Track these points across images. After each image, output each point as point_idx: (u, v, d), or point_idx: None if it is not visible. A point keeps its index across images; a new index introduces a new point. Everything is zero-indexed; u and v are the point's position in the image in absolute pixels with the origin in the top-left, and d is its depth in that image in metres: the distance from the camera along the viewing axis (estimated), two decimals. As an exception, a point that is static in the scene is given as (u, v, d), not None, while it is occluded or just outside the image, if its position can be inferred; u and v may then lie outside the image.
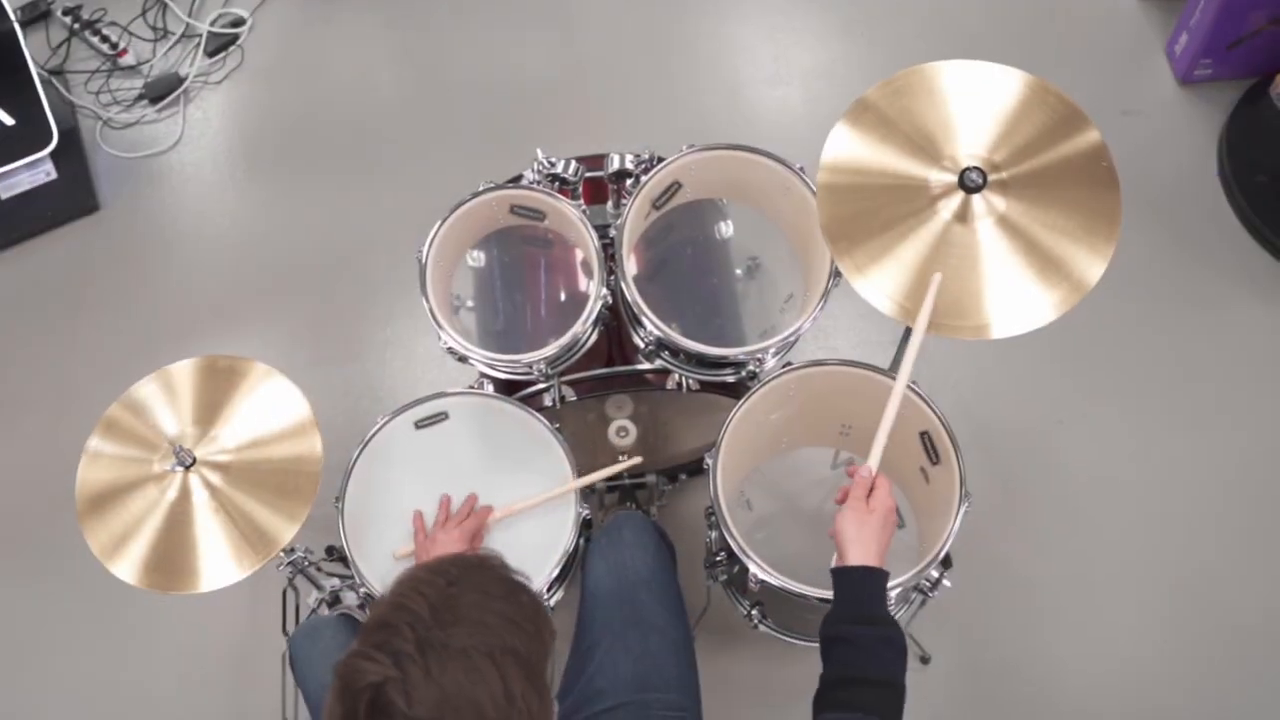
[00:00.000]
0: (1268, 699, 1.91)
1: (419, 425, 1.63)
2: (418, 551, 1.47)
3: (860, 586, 1.21)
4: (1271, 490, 2.09)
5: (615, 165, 1.65)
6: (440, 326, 1.55)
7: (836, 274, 1.50)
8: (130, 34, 2.87)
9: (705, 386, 1.64)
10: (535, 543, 1.54)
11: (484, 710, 0.80)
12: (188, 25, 2.85)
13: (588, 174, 1.70)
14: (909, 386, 1.48)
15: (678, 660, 1.46)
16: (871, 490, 1.28)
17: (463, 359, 1.59)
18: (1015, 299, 1.32)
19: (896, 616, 1.61)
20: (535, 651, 0.86)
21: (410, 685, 0.79)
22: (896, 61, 1.40)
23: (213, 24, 2.84)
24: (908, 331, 1.63)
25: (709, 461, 1.51)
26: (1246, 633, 1.97)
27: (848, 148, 1.38)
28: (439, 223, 1.61)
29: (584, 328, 1.55)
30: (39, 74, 2.56)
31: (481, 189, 1.62)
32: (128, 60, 2.80)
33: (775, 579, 1.43)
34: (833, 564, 1.27)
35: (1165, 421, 2.17)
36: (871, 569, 1.21)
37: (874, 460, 1.31)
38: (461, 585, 0.86)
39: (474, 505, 1.54)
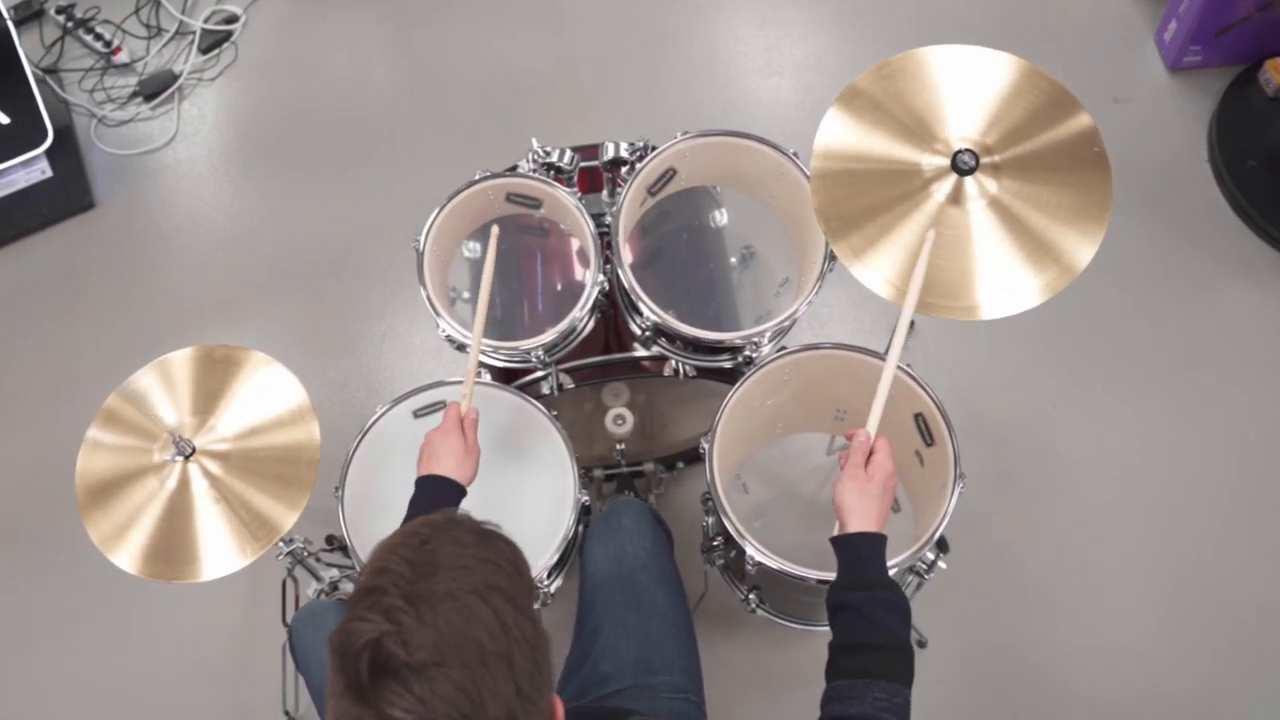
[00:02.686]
0: (1265, 682, 1.93)
1: (417, 414, 1.64)
2: (420, 461, 1.45)
3: (858, 553, 1.22)
4: (1266, 472, 2.10)
5: (610, 154, 1.66)
6: (439, 314, 1.56)
7: (831, 258, 1.51)
8: (124, 32, 2.87)
9: (702, 373, 1.65)
10: (534, 530, 1.55)
11: (482, 643, 0.81)
12: (181, 22, 2.86)
13: (583, 163, 1.71)
14: (903, 368, 1.49)
15: (679, 643, 1.47)
16: (870, 456, 1.28)
17: (461, 347, 1.60)
18: (1006, 281, 1.33)
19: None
20: (519, 589, 0.87)
21: (406, 634, 0.79)
22: (886, 51, 1.41)
23: (206, 21, 2.84)
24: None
25: (705, 446, 1.52)
26: (1243, 616, 1.98)
27: (840, 134, 1.39)
28: (436, 211, 1.62)
29: (581, 314, 1.56)
30: (33, 72, 2.57)
31: (478, 177, 1.63)
32: (122, 58, 2.80)
33: (772, 561, 1.45)
34: (834, 533, 1.27)
35: (1159, 406, 2.19)
36: (868, 534, 1.22)
37: (872, 425, 1.32)
38: (435, 541, 0.86)
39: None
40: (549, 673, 0.87)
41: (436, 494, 1.38)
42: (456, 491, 1.39)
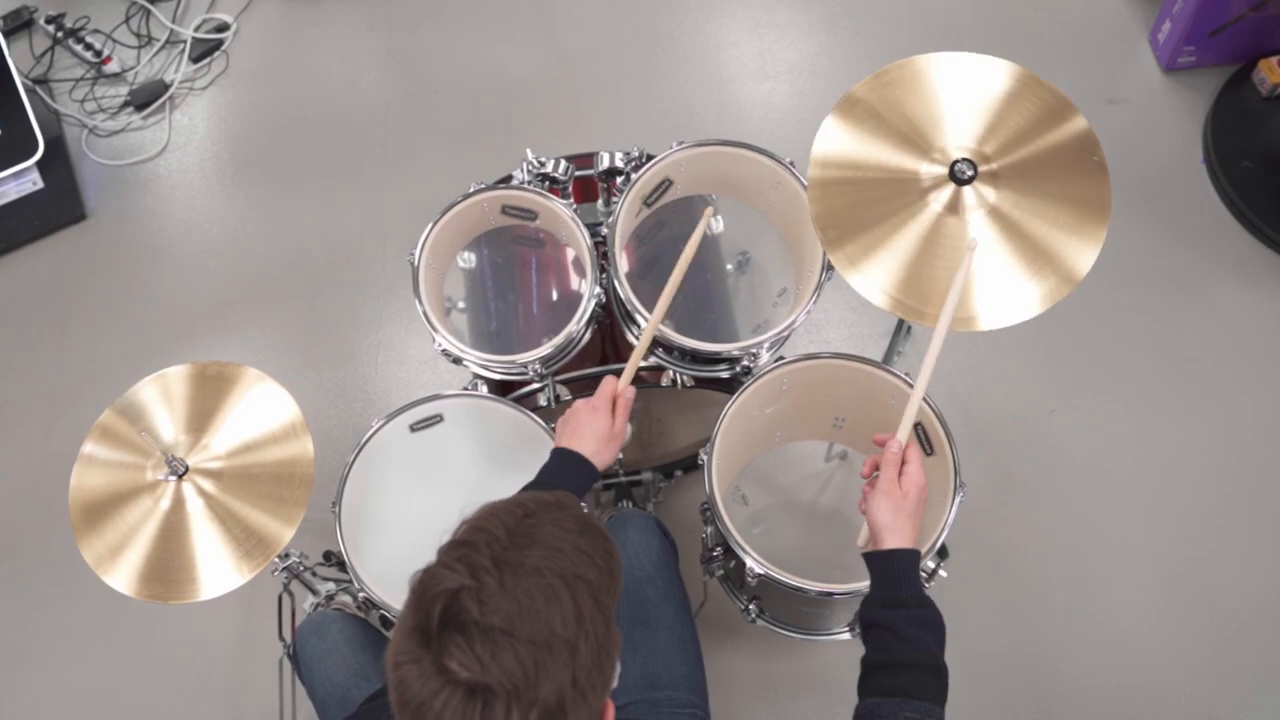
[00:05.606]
0: (1264, 682, 1.93)
1: (414, 428, 1.63)
2: (560, 431, 1.40)
3: (892, 569, 1.20)
4: (1264, 471, 2.10)
5: (605, 163, 1.66)
6: (435, 329, 1.55)
7: (828, 268, 1.50)
8: (114, 41, 2.86)
9: (700, 383, 1.64)
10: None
11: (554, 627, 0.82)
12: (172, 31, 2.84)
13: (578, 173, 1.70)
14: (902, 378, 1.49)
15: (685, 657, 1.46)
16: (902, 468, 1.26)
17: (457, 361, 1.59)
18: (1004, 291, 1.32)
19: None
20: (605, 587, 0.87)
21: (485, 594, 0.80)
22: (880, 54, 1.41)
23: (197, 30, 2.83)
24: (900, 324, 1.64)
25: (704, 457, 1.51)
26: (1243, 616, 1.98)
27: (838, 142, 1.39)
28: (430, 225, 1.60)
29: (578, 326, 1.55)
30: (23, 83, 2.55)
31: (472, 190, 1.62)
32: (112, 68, 2.79)
33: (772, 572, 1.44)
34: (860, 543, 1.26)
35: (1156, 407, 2.18)
36: (901, 550, 1.20)
37: (903, 433, 1.30)
38: (538, 517, 0.87)
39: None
40: (609, 673, 0.88)
41: (569, 471, 1.34)
42: (590, 474, 1.35)
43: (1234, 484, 2.10)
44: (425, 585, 0.82)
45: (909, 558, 1.20)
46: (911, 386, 1.49)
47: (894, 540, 1.21)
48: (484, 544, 0.84)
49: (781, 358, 1.57)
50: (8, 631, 2.16)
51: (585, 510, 0.93)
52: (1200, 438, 2.15)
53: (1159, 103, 2.52)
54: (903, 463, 1.28)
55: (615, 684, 0.92)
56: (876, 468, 1.32)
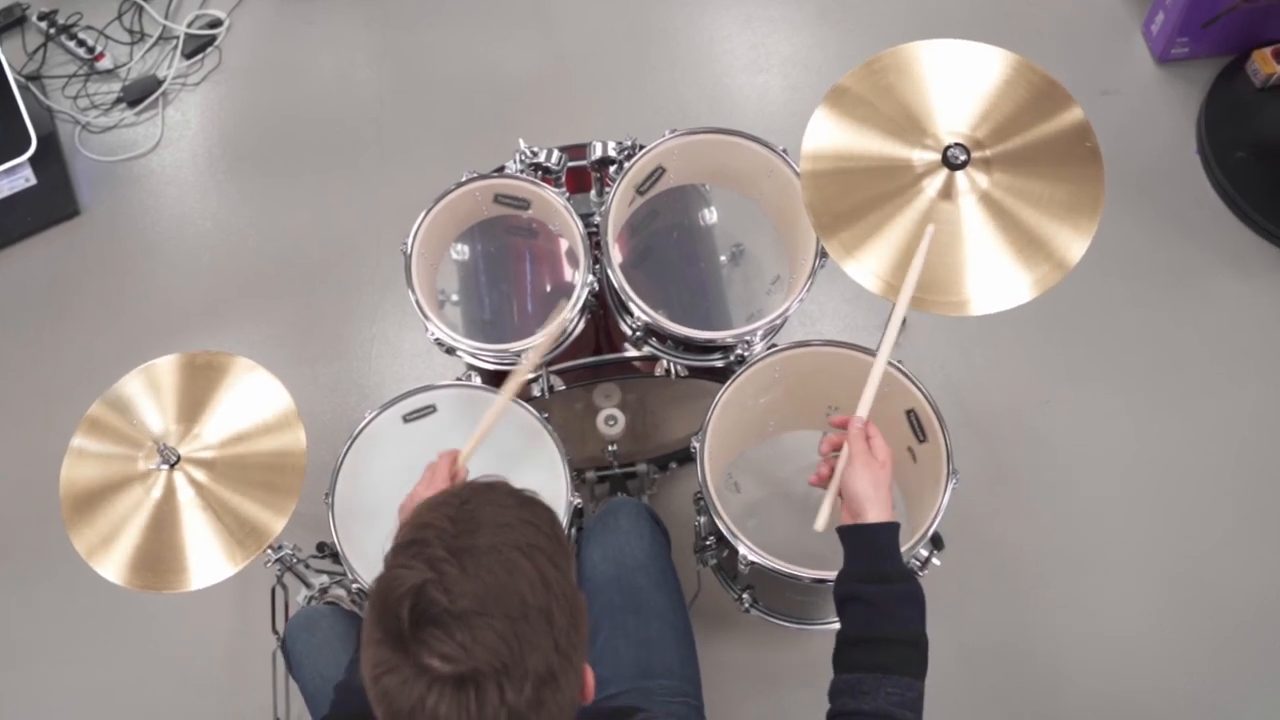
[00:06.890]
0: (1260, 675, 1.93)
1: (407, 419, 1.62)
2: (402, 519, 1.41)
3: (874, 543, 1.18)
4: (1258, 463, 2.10)
5: (598, 153, 1.65)
6: (427, 318, 1.54)
7: (822, 254, 1.50)
8: (107, 38, 2.85)
9: (693, 372, 1.64)
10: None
11: (525, 597, 0.81)
12: (164, 27, 2.84)
13: (571, 163, 1.70)
14: (894, 364, 1.49)
15: (678, 645, 1.46)
16: (869, 442, 1.26)
17: (450, 350, 1.58)
18: (996, 276, 1.32)
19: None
20: (558, 551, 0.87)
21: (449, 582, 0.80)
22: (872, 46, 1.40)
23: (189, 26, 2.83)
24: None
25: (696, 445, 1.51)
26: (1240, 608, 1.98)
27: (828, 134, 1.38)
28: (423, 213, 1.60)
29: (571, 315, 1.55)
30: (15, 80, 2.55)
31: (465, 179, 1.62)
32: (105, 64, 2.79)
33: (765, 560, 1.44)
34: (820, 527, 1.25)
35: (1150, 398, 2.18)
36: (883, 524, 1.19)
37: (864, 408, 1.29)
38: (475, 502, 0.87)
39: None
40: (585, 634, 0.88)
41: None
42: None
43: (1228, 475, 2.10)
44: (386, 590, 0.81)
45: (891, 531, 1.19)
46: (907, 376, 1.49)
47: (875, 512, 1.19)
48: (433, 538, 0.83)
49: (774, 345, 1.57)
50: (5, 631, 2.15)
51: (511, 485, 0.93)
52: (1194, 428, 2.14)
53: (1152, 94, 2.52)
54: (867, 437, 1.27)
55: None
56: (836, 448, 1.30)
